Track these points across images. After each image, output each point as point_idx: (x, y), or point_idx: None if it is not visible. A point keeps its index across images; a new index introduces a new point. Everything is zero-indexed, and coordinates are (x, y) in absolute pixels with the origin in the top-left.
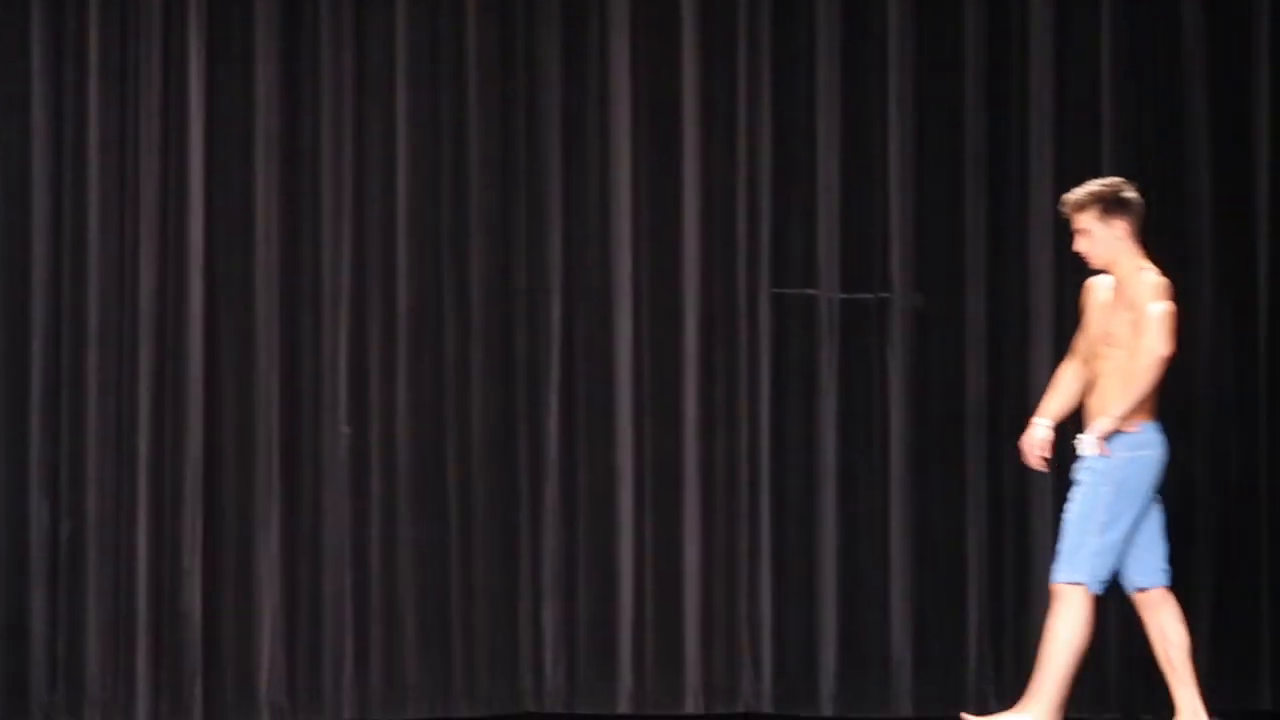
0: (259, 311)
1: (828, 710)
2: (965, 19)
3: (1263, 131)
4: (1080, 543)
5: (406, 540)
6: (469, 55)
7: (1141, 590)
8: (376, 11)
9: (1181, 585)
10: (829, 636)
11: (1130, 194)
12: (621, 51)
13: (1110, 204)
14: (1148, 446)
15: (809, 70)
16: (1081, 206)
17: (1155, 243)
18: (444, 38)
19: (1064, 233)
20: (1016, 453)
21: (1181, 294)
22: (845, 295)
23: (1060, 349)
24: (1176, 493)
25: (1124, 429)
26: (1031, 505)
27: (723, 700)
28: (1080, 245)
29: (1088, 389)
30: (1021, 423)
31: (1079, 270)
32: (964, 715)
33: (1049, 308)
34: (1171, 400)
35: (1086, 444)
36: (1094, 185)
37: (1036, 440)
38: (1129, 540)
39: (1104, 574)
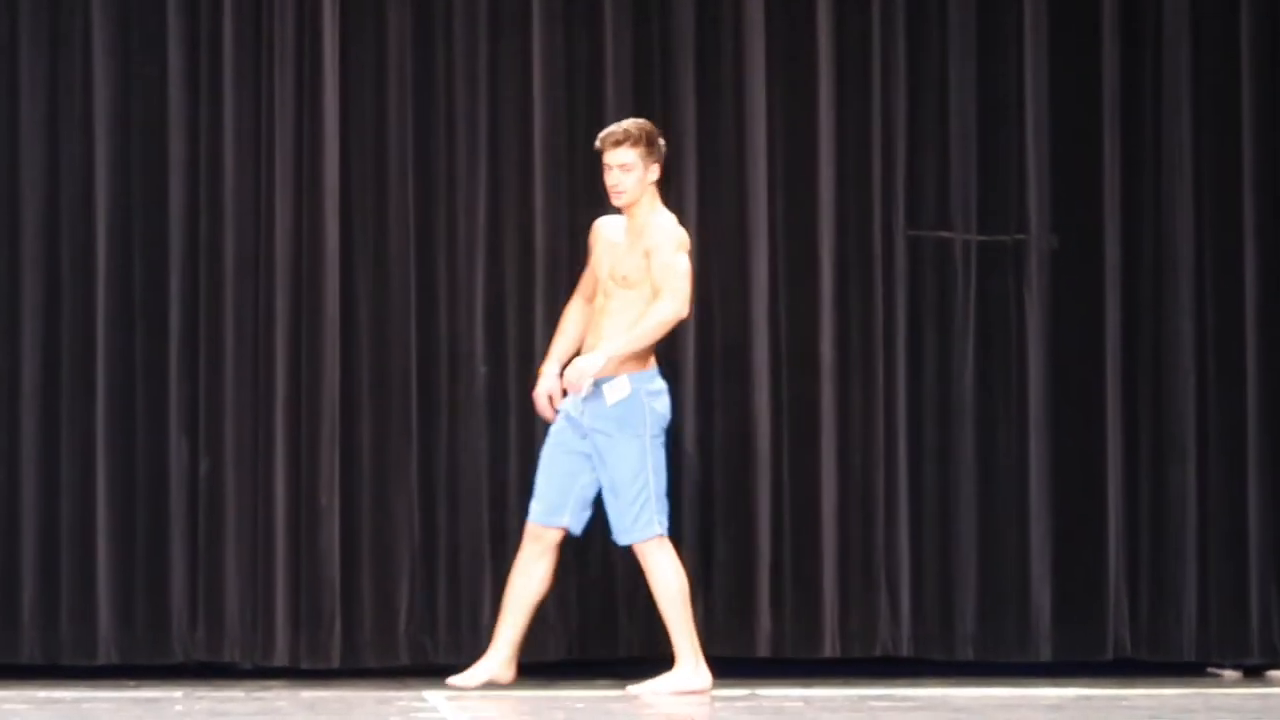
0: (393, 250)
1: (965, 654)
2: None
3: None
4: (642, 503)
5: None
6: (605, 11)
7: (559, 530)
8: None
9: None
10: (967, 580)
11: (662, 141)
12: None
13: (654, 146)
14: (662, 389)
15: (942, 10)
16: (633, 141)
17: None
18: None
19: (1204, 171)
20: (1154, 394)
21: None
22: (981, 237)
23: (1200, 288)
24: None
25: (640, 368)
26: (1169, 448)
27: (860, 644)
28: (614, 180)
29: (592, 328)
30: (1159, 362)
31: (1218, 208)
32: (629, 687)
33: (1188, 248)
34: None
35: (615, 390)
36: (640, 122)
37: (545, 390)
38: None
39: (666, 512)
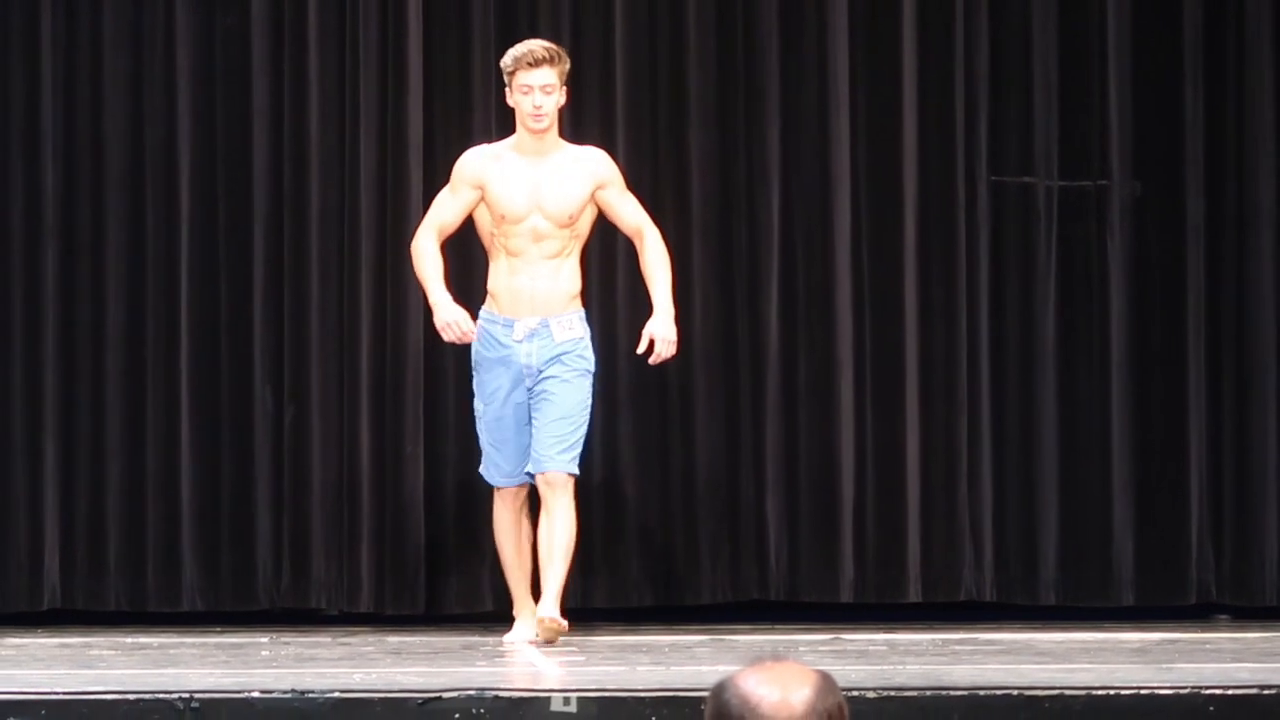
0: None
1: (1049, 599)
2: None
3: None
4: (578, 438)
5: (627, 432)
6: None
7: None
8: None
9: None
10: (1050, 526)
11: None
12: None
13: (568, 66)
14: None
15: None
16: (556, 58)
17: None
18: None
19: None
20: (1236, 341)
21: None
22: (1064, 183)
23: None
24: None
25: (580, 307)
26: (1252, 395)
27: (944, 589)
28: (537, 102)
29: (523, 276)
30: (1241, 308)
31: None
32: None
33: (1269, 193)
34: None
35: (565, 328)
36: (549, 43)
37: (455, 318)
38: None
39: None
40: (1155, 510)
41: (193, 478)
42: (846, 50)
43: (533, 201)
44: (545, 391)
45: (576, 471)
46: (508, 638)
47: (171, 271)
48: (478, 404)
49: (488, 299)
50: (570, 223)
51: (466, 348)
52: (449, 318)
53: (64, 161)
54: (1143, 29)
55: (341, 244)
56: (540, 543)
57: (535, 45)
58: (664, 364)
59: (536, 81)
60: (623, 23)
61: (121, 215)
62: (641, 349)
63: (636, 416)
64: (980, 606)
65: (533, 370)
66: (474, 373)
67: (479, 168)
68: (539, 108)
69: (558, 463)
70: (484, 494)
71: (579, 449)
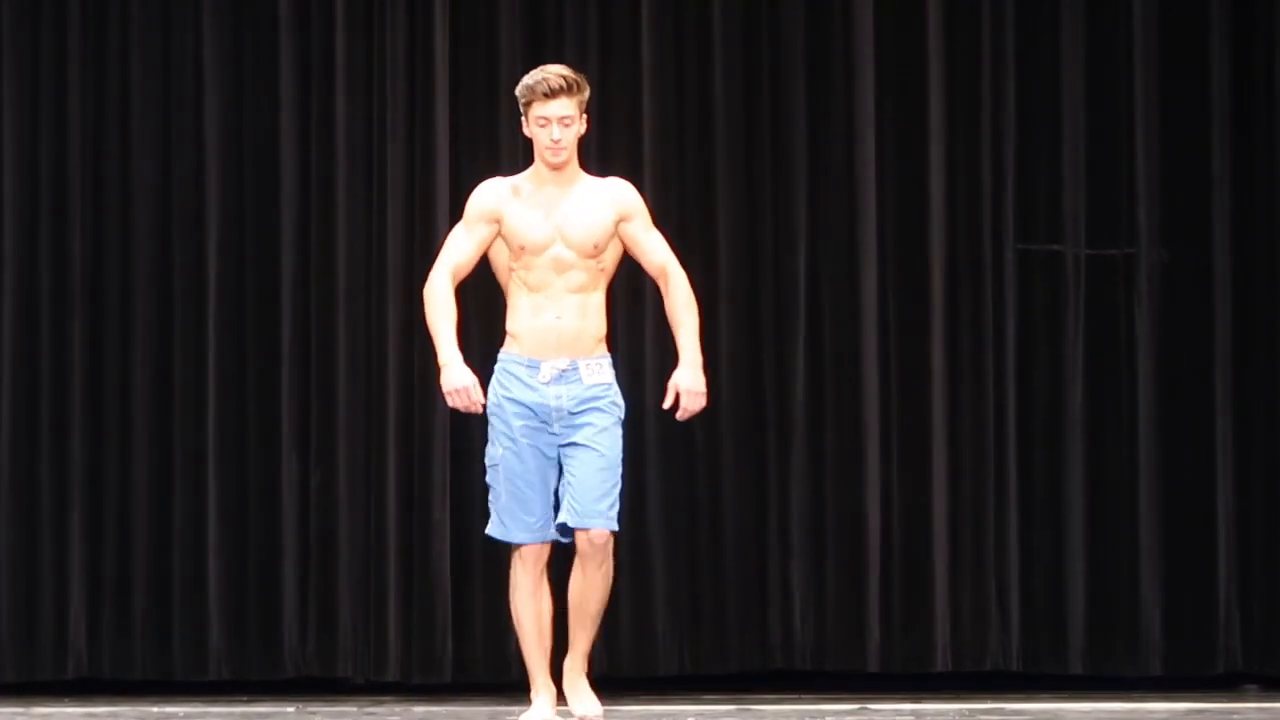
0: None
1: (1077, 668)
2: None
3: None
4: (619, 492)
5: (654, 497)
6: (714, 19)
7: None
8: None
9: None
10: (1077, 594)
11: None
12: (867, 7)
13: (589, 100)
14: None
15: (1053, 24)
16: (575, 88)
17: None
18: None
19: None
20: (1267, 408)
21: None
22: (1091, 251)
23: None
24: None
25: (607, 350)
26: None
27: (971, 658)
28: (556, 135)
29: (550, 312)
30: (1271, 376)
31: None
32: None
33: None
34: None
35: (594, 371)
36: (566, 68)
37: (467, 382)
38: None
39: None
40: (1183, 578)
41: (219, 544)
42: (873, 116)
43: (554, 229)
44: (583, 439)
45: (619, 528)
46: (525, 718)
47: (199, 336)
48: (492, 451)
49: (507, 340)
50: (595, 253)
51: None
52: (458, 383)
53: (91, 229)
54: (1169, 95)
55: (368, 310)
56: (572, 598)
57: (551, 73)
58: (691, 419)
59: (554, 113)
60: (649, 96)
61: (150, 279)
62: (668, 403)
63: (663, 480)
64: (1007, 676)
65: (563, 413)
66: (491, 418)
67: (494, 200)
68: (557, 141)
69: (603, 520)
70: (507, 561)
71: (620, 503)
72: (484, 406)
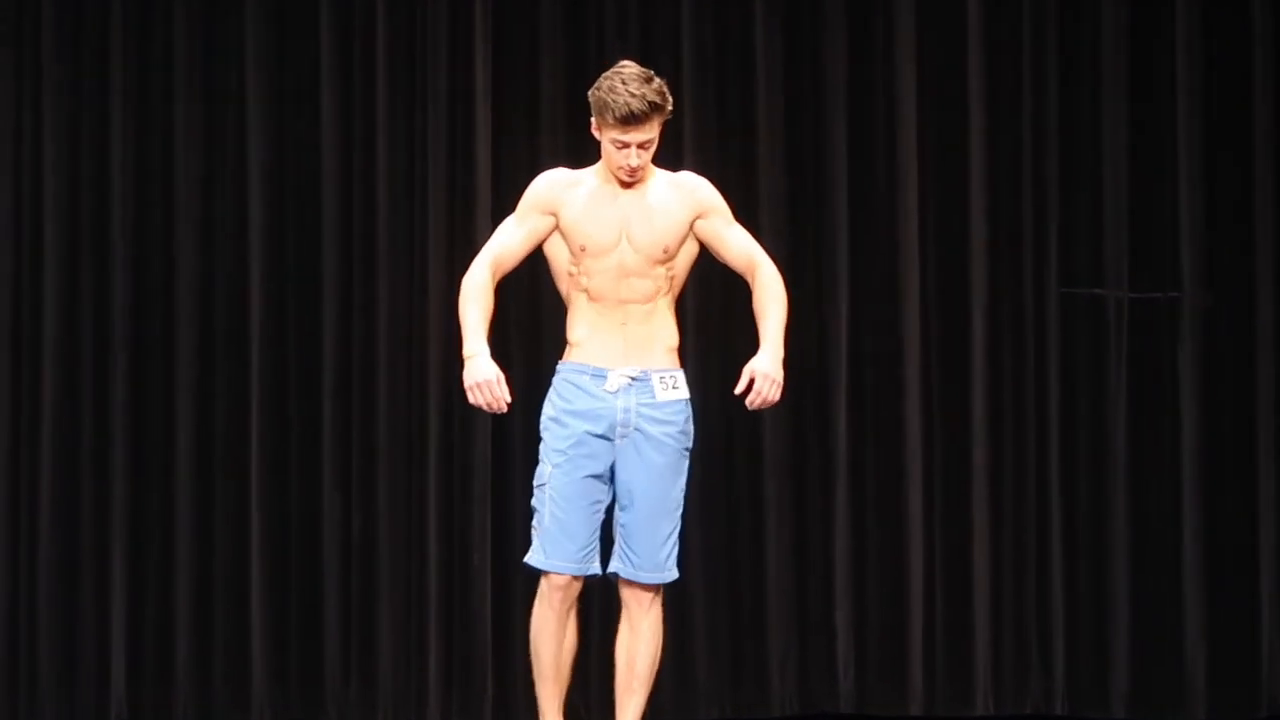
0: (546, 309)
1: (1119, 712)
2: (1253, 9)
3: None
4: (678, 537)
5: (696, 542)
6: (756, 51)
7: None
8: (666, 5)
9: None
10: (1120, 637)
11: None
12: (907, 45)
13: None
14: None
15: (1095, 64)
16: (662, 109)
17: None
18: (730, 31)
19: None
20: None
21: None
22: (1134, 295)
23: None
24: None
25: (679, 365)
26: None
27: (1012, 701)
28: (637, 161)
29: (617, 316)
30: None
31: None
32: None
33: None
34: None
35: (668, 387)
36: (651, 80)
37: (492, 375)
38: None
39: None
40: (1227, 622)
41: (261, 586)
42: (915, 159)
43: (619, 230)
44: (645, 479)
45: (678, 575)
46: None
47: (242, 377)
48: (541, 470)
49: (568, 349)
50: (665, 258)
51: (535, 436)
52: (481, 376)
53: (134, 272)
54: (1214, 136)
55: (410, 351)
56: (619, 660)
57: (635, 95)
58: (761, 410)
59: (633, 139)
60: (690, 132)
61: (192, 321)
62: (741, 388)
63: (705, 526)
64: (1050, 718)
65: (629, 427)
66: (543, 434)
67: (554, 192)
68: (635, 168)
69: (661, 573)
70: None
71: (679, 545)
72: (509, 405)
